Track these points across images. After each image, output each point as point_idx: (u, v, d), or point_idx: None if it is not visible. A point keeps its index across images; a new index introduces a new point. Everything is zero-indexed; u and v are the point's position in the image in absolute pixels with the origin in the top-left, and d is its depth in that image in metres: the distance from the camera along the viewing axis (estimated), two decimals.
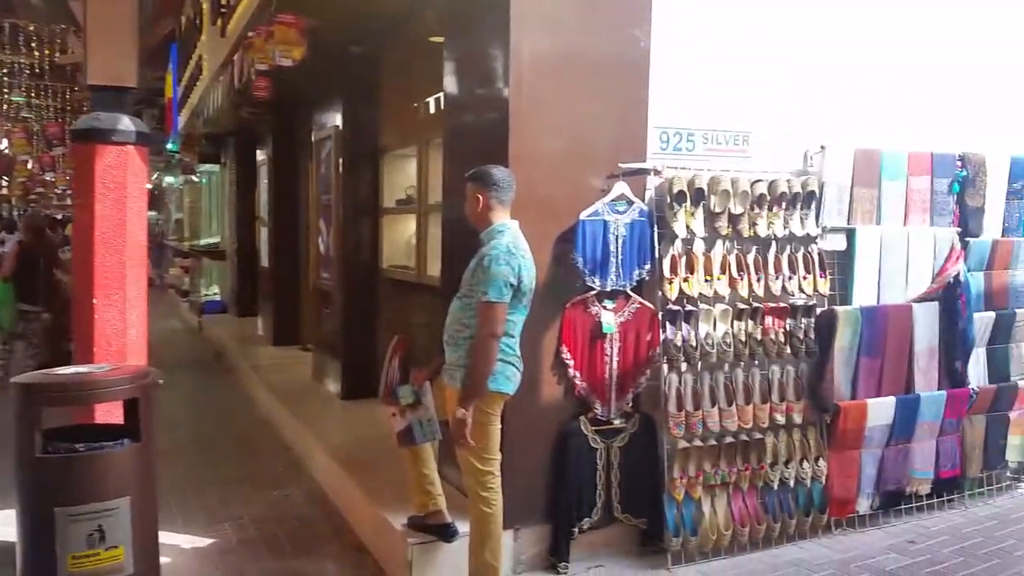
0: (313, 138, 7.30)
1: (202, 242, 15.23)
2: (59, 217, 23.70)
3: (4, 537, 4.05)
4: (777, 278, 4.12)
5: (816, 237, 4.25)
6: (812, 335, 4.16)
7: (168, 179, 17.08)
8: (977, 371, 4.71)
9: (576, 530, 3.78)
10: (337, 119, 6.58)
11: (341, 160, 6.47)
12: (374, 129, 6.48)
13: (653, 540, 3.92)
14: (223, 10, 7.08)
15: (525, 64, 3.64)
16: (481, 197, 3.26)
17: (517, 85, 3.63)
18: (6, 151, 19.70)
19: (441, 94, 4.55)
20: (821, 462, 4.17)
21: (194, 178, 15.27)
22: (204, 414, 7.12)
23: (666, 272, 3.90)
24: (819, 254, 4.22)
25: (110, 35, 3.80)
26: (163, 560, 3.33)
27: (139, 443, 2.98)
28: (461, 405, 3.12)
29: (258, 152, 10.33)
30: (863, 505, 4.33)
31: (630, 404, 3.91)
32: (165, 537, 3.54)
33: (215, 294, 13.36)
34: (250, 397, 7.63)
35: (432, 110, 5.28)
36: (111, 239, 3.70)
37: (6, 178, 22.14)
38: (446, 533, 3.54)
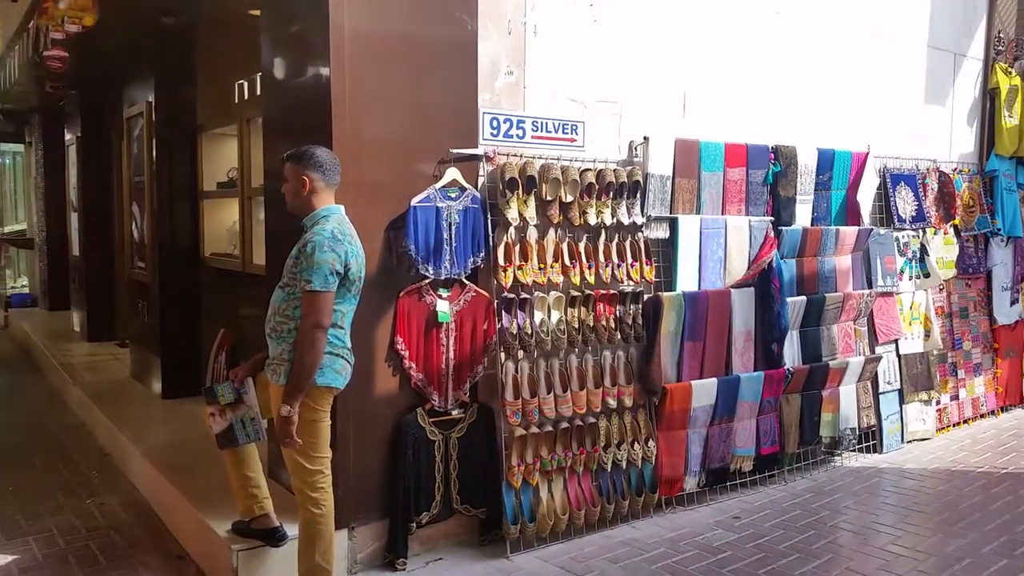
0: (124, 115, 6.73)
1: (7, 229, 13.92)
2: None
3: None
4: (607, 266, 4.21)
5: (641, 226, 4.39)
6: (640, 321, 4.30)
7: None
8: (791, 352, 5.04)
9: (414, 524, 3.70)
10: (150, 95, 6.08)
11: (155, 139, 5.99)
12: (191, 106, 6.04)
13: (492, 529, 3.91)
14: None
15: (346, 43, 3.47)
16: (306, 179, 3.08)
17: (339, 64, 3.46)
18: None
19: (260, 72, 4.31)
20: (651, 443, 4.33)
21: None
22: (8, 417, 6.47)
23: (500, 260, 3.89)
24: (644, 242, 4.36)
25: None
26: None
27: None
28: (286, 402, 2.95)
29: (66, 131, 9.44)
30: (691, 483, 4.53)
31: (467, 394, 3.88)
32: None
33: (23, 286, 12.42)
34: (61, 398, 6.99)
35: (255, 88, 4.98)
36: None
37: None
38: (273, 538, 3.36)
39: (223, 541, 3.42)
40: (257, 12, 4.32)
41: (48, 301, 10.66)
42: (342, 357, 3.12)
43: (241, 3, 4.77)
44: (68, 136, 9.28)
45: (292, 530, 3.29)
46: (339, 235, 3.02)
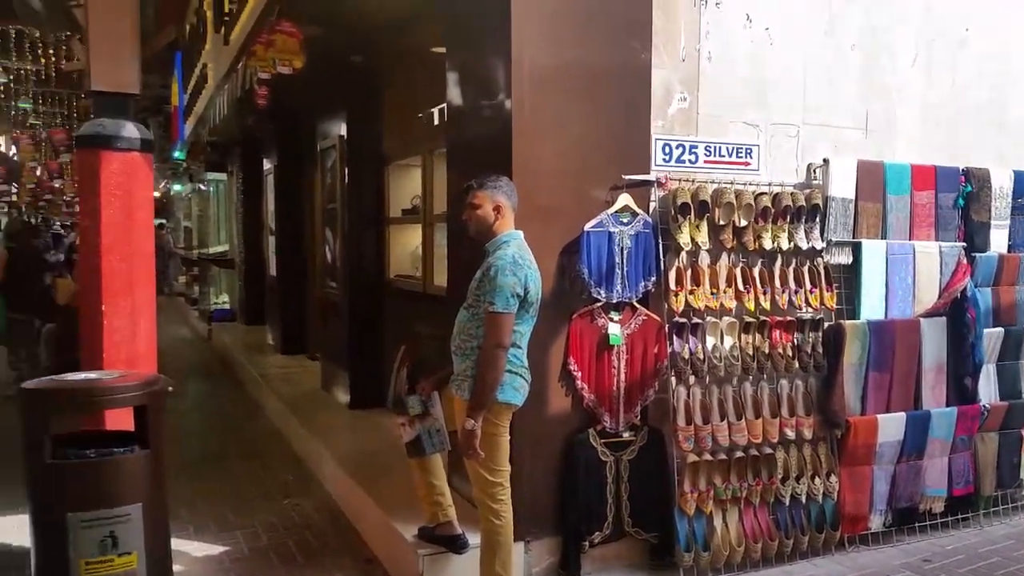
0: (318, 147, 7.35)
1: (210, 250, 15.30)
2: (64, 224, 23.78)
3: (19, 543, 4.09)
4: (783, 292, 4.12)
5: (821, 251, 4.26)
6: (820, 349, 4.16)
7: (176, 187, 17.16)
8: (988, 388, 4.69)
9: (587, 543, 3.77)
10: (342, 128, 6.62)
11: (346, 170, 6.51)
12: (378, 139, 6.52)
13: (665, 555, 3.91)
14: (226, 18, 7.13)
15: (526, 76, 3.66)
16: (499, 206, 3.27)
17: (519, 97, 3.65)
18: (14, 157, 19.82)
19: (444, 105, 4.58)
20: (832, 478, 4.16)
21: (201, 187, 15.34)
22: (213, 423, 7.14)
23: (672, 284, 3.91)
24: (825, 268, 4.22)
25: (112, 42, 3.81)
26: (176, 568, 3.33)
27: (149, 450, 2.98)
28: (469, 416, 3.12)
29: (264, 161, 10.39)
30: (876, 522, 4.31)
31: (638, 417, 3.91)
32: (177, 545, 3.56)
33: (224, 302, 13.44)
34: (259, 406, 7.65)
35: (436, 121, 5.31)
36: (118, 246, 3.72)
37: (15, 185, 22.26)
38: (456, 544, 3.54)
39: (409, 546, 3.64)
40: (440, 49, 4.63)
41: (246, 316, 11.64)
42: (520, 375, 3.26)
43: (425, 41, 5.12)
44: (266, 165, 10.19)
45: (473, 538, 3.46)
46: (519, 259, 3.17)
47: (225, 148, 12.39)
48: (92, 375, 3.25)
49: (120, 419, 3.38)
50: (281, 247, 9.44)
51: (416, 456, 3.60)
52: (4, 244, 7.96)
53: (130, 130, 3.75)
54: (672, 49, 4.04)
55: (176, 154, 12.25)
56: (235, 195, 12.42)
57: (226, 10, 6.94)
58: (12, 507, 4.45)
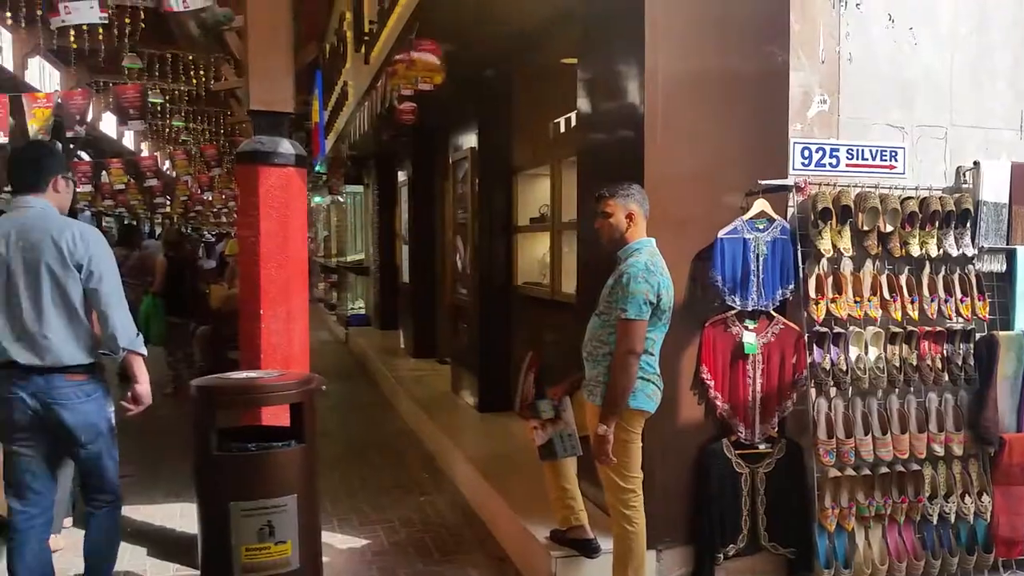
0: (450, 159, 7.59)
1: (348, 259, 15.98)
2: (214, 234, 25.48)
3: (182, 528, 4.48)
4: (932, 301, 3.92)
5: (972, 258, 4.03)
6: (971, 362, 3.93)
7: (316, 199, 18.11)
8: None
9: (720, 555, 3.72)
10: (473, 140, 6.82)
11: (477, 180, 6.69)
12: (508, 149, 6.67)
13: (802, 571, 3.79)
14: (366, 38, 7.50)
15: (660, 84, 3.67)
16: (632, 213, 3.30)
17: (652, 104, 3.66)
18: (168, 172, 21.50)
19: (572, 114, 4.64)
20: (985, 497, 3.92)
21: (339, 198, 16.10)
22: (352, 420, 7.48)
23: (812, 292, 3.80)
24: (976, 276, 3.99)
25: (269, 64, 4.08)
26: (322, 558, 3.53)
27: (304, 445, 3.19)
28: (602, 422, 3.17)
29: (398, 173, 10.80)
30: None
31: (775, 429, 3.83)
32: (323, 536, 3.77)
33: (360, 308, 13.99)
34: (393, 406, 7.97)
35: (563, 130, 5.39)
36: (275, 255, 3.99)
37: (168, 197, 24.09)
38: (588, 548, 3.59)
39: (542, 547, 3.72)
40: (571, 60, 4.70)
41: (380, 321, 12.11)
42: (652, 382, 3.27)
43: (556, 53, 5.21)
44: (401, 177, 10.60)
45: (605, 544, 3.49)
46: (652, 267, 3.19)
47: (362, 161, 12.95)
48: (253, 374, 3.51)
49: (273, 415, 3.65)
50: (413, 255, 9.79)
51: (548, 459, 3.67)
52: (163, 253, 8.64)
53: (286, 146, 4.01)
54: (811, 51, 3.94)
55: (317, 168, 12.91)
56: (371, 206, 12.96)
57: (366, 30, 7.30)
58: (174, 495, 4.89)
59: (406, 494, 5.21)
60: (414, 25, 5.22)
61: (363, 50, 7.63)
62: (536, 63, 5.83)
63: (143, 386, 3.25)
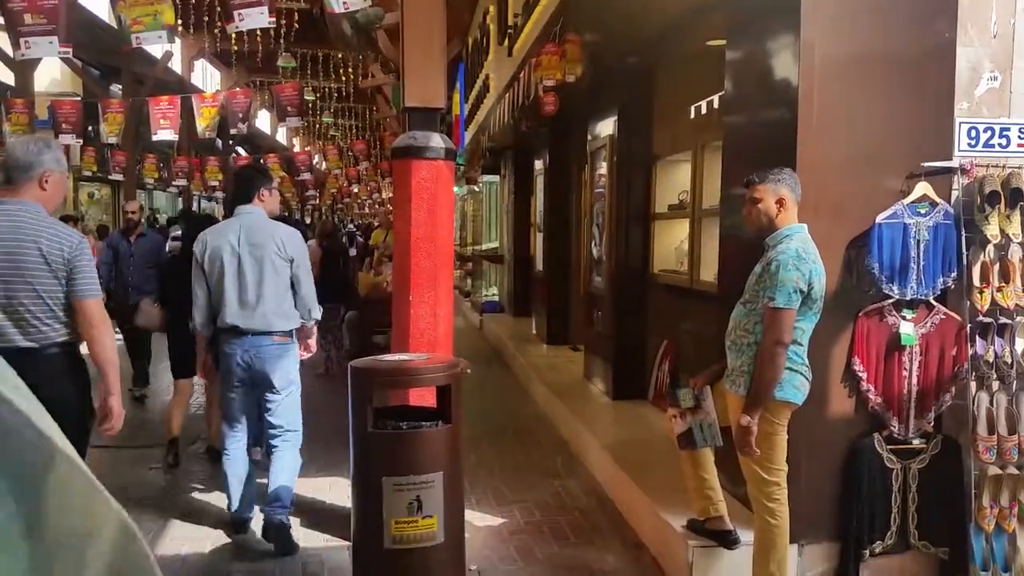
0: (588, 148, 7.60)
1: (483, 247, 16.33)
2: (357, 224, 26.64)
3: (331, 500, 4.77)
4: None
5: None
6: None
7: (454, 189, 18.62)
8: None
9: (866, 552, 3.59)
10: (611, 128, 6.79)
11: (615, 168, 6.68)
12: (647, 136, 6.61)
13: (956, 573, 3.60)
14: (510, 31, 7.63)
15: (816, 64, 3.54)
16: (783, 199, 3.22)
17: (807, 86, 3.54)
18: (319, 166, 22.68)
19: (716, 97, 4.54)
20: None
21: (476, 188, 16.47)
22: (488, 403, 7.66)
23: (976, 280, 3.57)
24: None
25: (423, 62, 4.25)
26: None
27: (450, 425, 3.34)
28: (746, 412, 3.11)
29: (535, 163, 10.92)
30: None
31: (931, 424, 3.63)
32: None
33: (493, 295, 14.25)
34: (526, 390, 8.12)
35: (705, 112, 5.28)
36: (424, 244, 4.16)
37: (318, 190, 25.41)
38: (727, 540, 3.55)
39: (679, 536, 3.71)
40: (716, 42, 4.60)
41: (513, 308, 12.32)
42: (800, 373, 3.18)
43: (701, 35, 5.11)
44: (537, 167, 10.73)
45: (745, 536, 3.44)
46: (803, 254, 3.10)
47: (499, 152, 13.18)
48: (404, 357, 3.69)
49: (420, 396, 3.82)
50: (548, 244, 9.89)
51: (687, 448, 3.64)
52: (317, 243, 9.15)
53: (436, 141, 4.16)
54: (981, 26, 3.68)
55: (457, 160, 13.25)
56: (506, 195, 13.17)
57: (510, 24, 7.43)
58: (325, 470, 5.20)
59: (541, 477, 5.30)
60: (559, 18, 5.27)
61: (506, 43, 7.76)
62: (679, 47, 5.74)
63: (313, 340, 4.41)
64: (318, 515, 4.54)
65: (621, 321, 6.69)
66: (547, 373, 7.94)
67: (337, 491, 4.79)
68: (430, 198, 4.11)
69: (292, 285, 4.08)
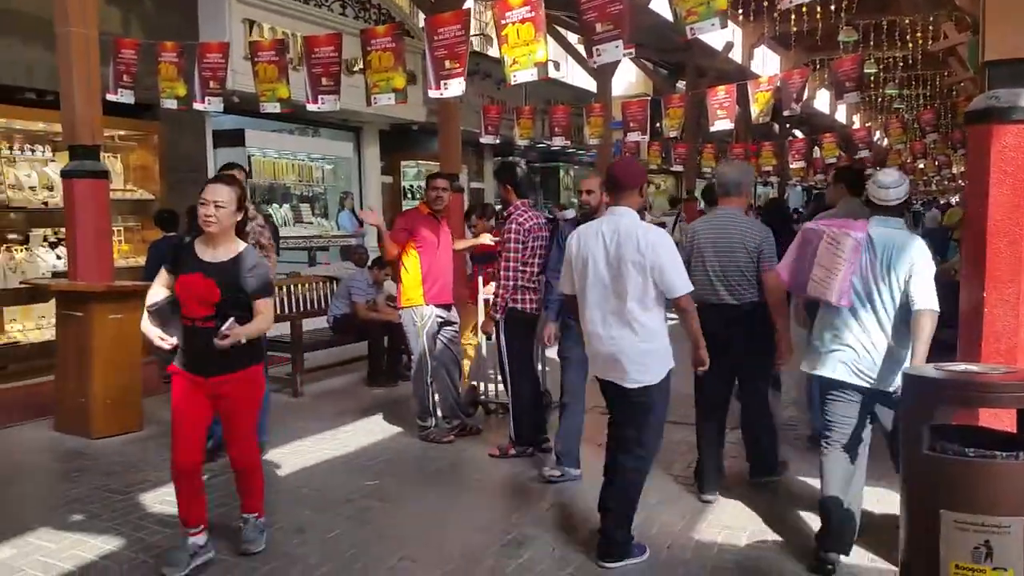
0: None
1: None
2: (919, 203, 23.98)
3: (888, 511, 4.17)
4: None
5: None
6: None
7: None
8: None
9: None
10: None
11: None
12: None
13: None
14: None
15: None
16: None
17: None
18: (879, 142, 20.99)
19: None
20: None
21: None
22: None
23: None
24: None
25: (1007, 8, 3.45)
26: None
27: None
28: None
29: None
30: None
31: None
32: None
33: None
34: None
35: None
36: (1006, 228, 3.38)
37: (877, 167, 23.67)
38: None
39: None
40: None
41: None
42: None
43: None
44: None
45: None
46: None
47: None
48: (973, 367, 3.03)
49: (993, 415, 3.12)
50: None
51: None
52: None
53: None
54: None
55: None
56: None
57: None
58: (875, 478, 4.55)
59: None
60: None
61: None
62: None
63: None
64: (864, 528, 4.06)
65: None
66: None
67: (884, 505, 4.21)
68: (1015, 171, 3.29)
69: None
